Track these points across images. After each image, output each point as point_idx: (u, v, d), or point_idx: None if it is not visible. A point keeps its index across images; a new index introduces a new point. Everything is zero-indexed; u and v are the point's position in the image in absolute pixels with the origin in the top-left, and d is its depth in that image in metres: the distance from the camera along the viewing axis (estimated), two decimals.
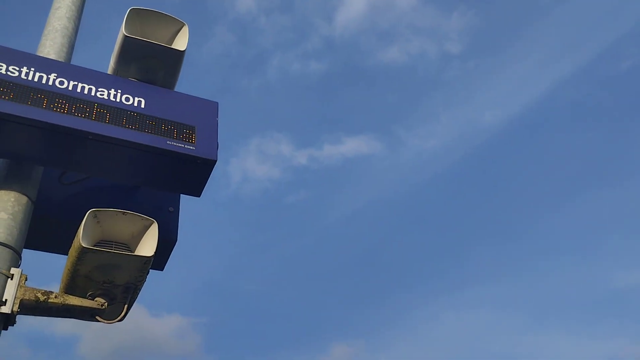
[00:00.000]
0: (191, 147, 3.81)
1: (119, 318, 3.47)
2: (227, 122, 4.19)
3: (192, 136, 3.85)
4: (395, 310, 19.95)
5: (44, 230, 3.88)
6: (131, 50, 4.14)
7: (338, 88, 21.47)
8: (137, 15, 4.22)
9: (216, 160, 3.87)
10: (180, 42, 4.26)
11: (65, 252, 3.67)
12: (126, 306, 3.48)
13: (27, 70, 3.65)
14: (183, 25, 4.32)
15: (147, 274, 3.46)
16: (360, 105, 21.43)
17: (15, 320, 3.16)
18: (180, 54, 4.22)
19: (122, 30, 4.11)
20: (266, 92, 21.20)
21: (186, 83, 4.40)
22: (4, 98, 3.43)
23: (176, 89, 4.39)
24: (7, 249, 3.27)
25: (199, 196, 4.07)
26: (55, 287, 3.38)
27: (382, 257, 20.80)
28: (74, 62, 4.53)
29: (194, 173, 3.89)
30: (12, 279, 3.19)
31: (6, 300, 3.11)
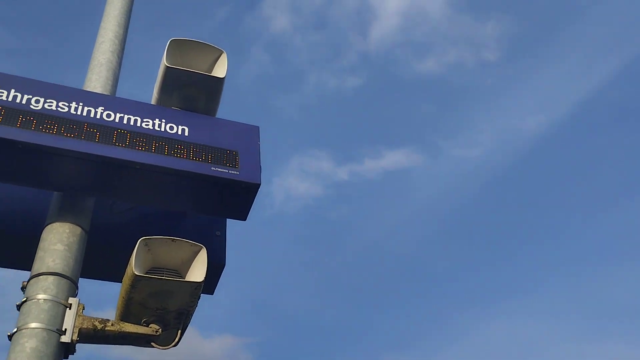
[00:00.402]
0: (235, 172, 3.88)
1: (173, 343, 3.53)
2: (267, 141, 4.26)
3: (236, 161, 3.93)
4: (444, 321, 19.62)
5: (97, 259, 3.97)
6: (173, 80, 4.26)
7: (376, 102, 21.46)
8: (177, 46, 4.33)
9: (260, 184, 3.93)
10: (220, 70, 4.36)
11: (117, 280, 3.77)
12: (179, 331, 3.55)
13: (76, 105, 3.79)
14: (222, 52, 4.42)
15: (199, 299, 3.52)
16: (399, 117, 21.35)
17: (75, 349, 3.25)
18: (220, 81, 4.32)
19: (164, 61, 4.23)
20: (304, 109, 21.35)
21: (226, 106, 4.50)
22: (56, 133, 3.56)
23: (217, 113, 4.49)
24: (65, 280, 3.38)
25: (245, 220, 4.13)
26: (108, 312, 3.47)
27: (427, 268, 20.56)
28: (119, 92, 4.68)
29: (239, 197, 3.96)
30: (70, 309, 3.29)
31: (66, 329, 3.21)
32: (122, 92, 4.74)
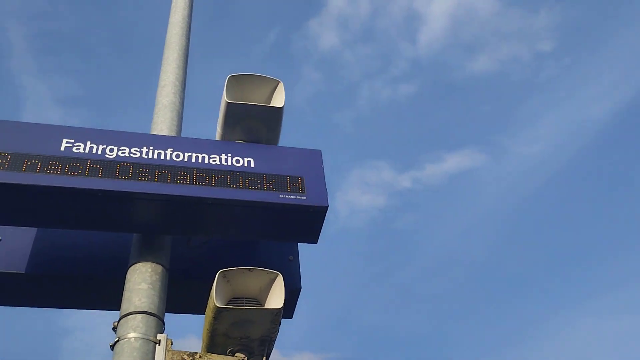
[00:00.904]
0: (302, 197, 3.97)
1: None
2: (327, 157, 4.35)
3: (302, 186, 4.02)
4: (525, 323, 19.02)
5: (179, 293, 4.12)
6: (234, 115, 4.41)
7: (431, 106, 21.25)
8: (236, 81, 4.49)
9: (327, 207, 4.00)
10: (278, 99, 4.48)
11: (199, 312, 3.91)
12: (264, 358, 3.64)
13: (147, 150, 3.98)
14: (278, 82, 4.54)
15: (280, 325, 3.61)
16: (456, 119, 21.04)
17: None
18: (279, 110, 4.44)
19: (224, 98, 4.39)
20: (360, 122, 21.37)
21: (285, 129, 4.61)
22: (131, 179, 3.76)
23: (280, 140, 4.61)
24: (152, 317, 3.53)
25: (316, 242, 4.21)
26: (191, 340, 3.59)
27: (502, 270, 20.02)
28: (184, 130, 4.88)
29: (309, 221, 4.05)
30: (159, 345, 3.44)
31: None
32: (187, 128, 4.94)
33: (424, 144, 21.47)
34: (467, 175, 20.74)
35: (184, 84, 5.22)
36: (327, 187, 4.14)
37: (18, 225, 4.04)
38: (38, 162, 3.68)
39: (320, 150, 4.37)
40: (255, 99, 4.48)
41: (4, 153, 3.69)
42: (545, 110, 20.11)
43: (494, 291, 19.69)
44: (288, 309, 4.33)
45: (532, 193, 20.19)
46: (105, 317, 3.64)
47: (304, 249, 4.68)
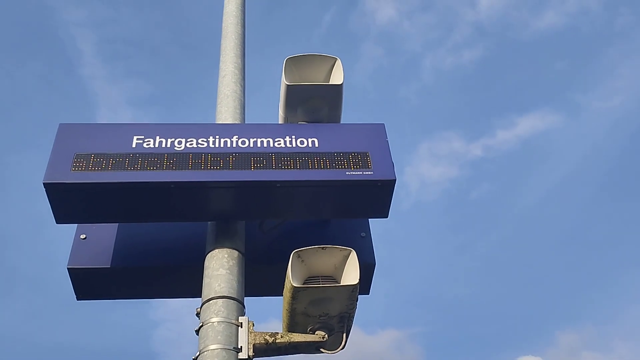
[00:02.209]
0: (369, 173, 3.97)
1: (341, 347, 3.67)
2: (394, 133, 4.32)
3: (368, 162, 4.02)
4: (628, 290, 18.23)
5: (256, 277, 4.20)
6: (294, 97, 4.44)
7: (499, 70, 20.57)
8: (293, 63, 4.51)
9: (395, 180, 3.98)
10: (337, 77, 4.47)
11: (277, 294, 3.98)
12: (345, 335, 3.68)
13: (213, 139, 4.07)
14: (336, 59, 4.53)
15: (357, 301, 3.63)
16: (527, 81, 20.28)
17: None
18: (338, 87, 4.43)
19: (283, 81, 4.42)
20: (425, 94, 20.99)
21: (350, 108, 4.61)
22: (202, 168, 3.86)
23: (342, 119, 4.61)
24: (232, 301, 3.63)
25: (387, 217, 4.19)
26: (273, 324, 3.67)
27: (593, 233, 19.22)
28: (248, 117, 4.95)
29: (377, 196, 4.04)
30: (242, 327, 3.53)
31: (241, 347, 3.44)
32: (251, 115, 5.02)
33: (493, 110, 20.86)
34: (542, 137, 20.01)
35: (244, 72, 5.28)
36: (393, 161, 4.11)
37: (100, 222, 4.23)
38: (112, 161, 3.84)
39: (384, 124, 4.34)
40: (314, 79, 4.49)
41: (82, 154, 3.86)
42: (622, 61, 19.08)
43: (580, 254, 19.01)
44: (364, 285, 4.35)
45: (615, 147, 19.23)
46: (191, 307, 3.77)
47: (376, 225, 4.68)
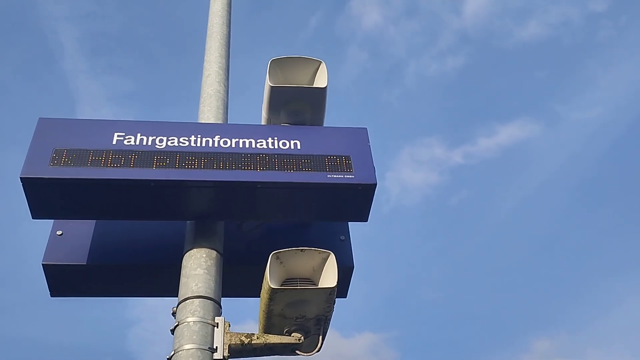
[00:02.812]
0: (350, 176, 3.98)
1: (316, 349, 3.67)
2: (376, 138, 4.34)
3: (350, 165, 4.03)
4: (601, 298, 18.45)
5: (233, 277, 4.18)
6: (278, 98, 4.44)
7: (481, 78, 20.75)
8: (277, 65, 4.52)
9: (376, 184, 4.00)
10: (321, 80, 4.48)
11: (254, 295, 3.97)
12: (321, 337, 3.68)
13: (195, 138, 4.05)
14: (320, 63, 4.55)
15: (334, 304, 3.64)
16: (508, 89, 20.48)
17: None
18: (322, 91, 4.44)
19: (267, 82, 4.42)
20: (408, 100, 21.10)
21: (333, 111, 4.62)
22: (181, 167, 3.84)
23: (325, 122, 4.62)
24: (209, 301, 3.61)
25: (367, 221, 4.21)
26: (249, 325, 3.65)
27: (564, 241, 19.47)
28: (230, 118, 4.94)
29: (358, 200, 4.05)
30: (217, 327, 3.51)
31: (217, 347, 3.42)
32: (233, 116, 5.00)
33: (475, 117, 21.03)
34: (522, 146, 20.22)
35: (228, 73, 5.27)
36: (375, 165, 4.13)
37: (76, 219, 4.19)
38: (91, 157, 3.80)
39: (366, 128, 4.36)
40: (298, 81, 4.50)
41: (61, 149, 3.82)
42: (602, 73, 19.35)
43: (554, 262, 19.21)
44: (342, 288, 4.35)
45: (591, 160, 19.51)
46: (166, 307, 3.74)
47: (355, 229, 4.70)
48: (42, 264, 4.13)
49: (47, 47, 18.01)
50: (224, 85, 5.08)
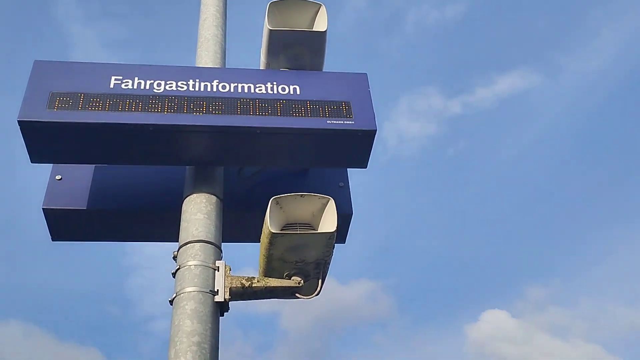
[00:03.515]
0: (350, 122, 3.95)
1: (316, 293, 3.72)
2: (374, 87, 4.29)
3: (349, 111, 4.00)
4: (594, 248, 18.66)
5: (234, 222, 4.21)
6: (277, 42, 4.37)
7: (481, 26, 20.40)
8: (277, 8, 4.42)
9: (376, 130, 3.98)
10: (321, 23, 4.40)
11: (253, 240, 4.01)
12: (320, 281, 3.72)
13: (193, 82, 4.00)
14: (320, 6, 4.46)
15: (333, 248, 3.67)
16: (508, 39, 20.18)
17: (228, 307, 3.52)
18: (322, 34, 4.37)
19: (266, 25, 4.33)
20: (407, 48, 20.80)
21: (331, 58, 4.55)
22: (179, 112, 3.80)
23: (324, 66, 4.56)
24: (210, 245, 3.64)
25: (366, 167, 4.21)
26: (247, 271, 3.69)
27: (561, 191, 19.55)
28: (228, 62, 4.86)
29: (357, 146, 4.04)
30: (218, 271, 3.55)
31: (218, 290, 3.47)
32: (231, 60, 4.93)
33: (474, 67, 20.80)
34: (520, 96, 20.09)
35: (225, 16, 5.17)
36: (374, 112, 4.10)
37: (75, 163, 4.17)
38: (89, 100, 3.76)
39: (366, 74, 4.30)
40: (297, 25, 4.41)
41: (58, 92, 3.77)
42: (605, 23, 19.05)
43: (552, 211, 19.36)
44: (341, 234, 4.39)
45: (590, 110, 19.40)
46: (164, 254, 3.77)
47: (354, 177, 4.70)
48: (42, 208, 4.14)
49: None
50: (222, 29, 4.99)
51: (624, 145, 18.87)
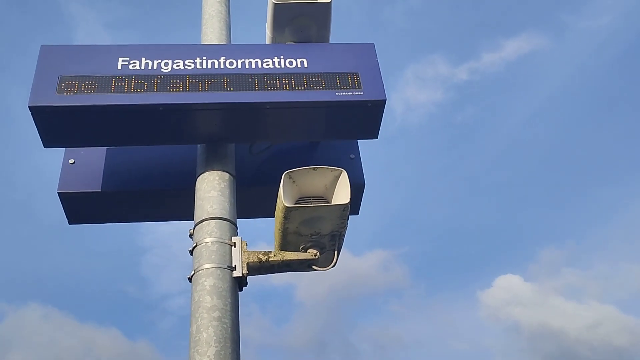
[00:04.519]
0: (359, 93, 3.95)
1: (332, 264, 3.75)
2: (379, 56, 4.26)
3: (358, 82, 3.99)
4: (605, 207, 18.56)
5: (247, 199, 4.23)
6: (282, 16, 4.34)
7: None
8: None
9: (385, 100, 3.97)
10: None
11: (268, 215, 4.03)
12: (336, 252, 3.76)
13: (200, 60, 3.99)
14: None
15: (348, 220, 3.69)
16: (513, 2, 19.90)
17: (246, 282, 3.56)
18: (327, 6, 4.33)
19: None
20: (411, 15, 20.56)
21: (336, 28, 4.51)
22: (189, 90, 3.80)
23: (330, 38, 4.53)
24: (225, 222, 3.67)
25: (377, 137, 4.20)
26: (261, 246, 3.72)
27: (575, 153, 19.38)
28: (233, 38, 4.85)
29: (368, 116, 4.03)
30: (235, 247, 3.59)
31: (235, 265, 3.51)
32: (236, 36, 4.91)
33: (480, 32, 20.57)
34: (528, 59, 19.85)
35: None
36: (383, 81, 4.08)
37: (88, 146, 4.20)
38: (98, 83, 3.77)
39: (373, 44, 4.28)
40: None
41: (67, 76, 3.78)
42: None
43: (568, 174, 19.25)
44: (354, 206, 4.40)
45: (601, 68, 19.12)
46: (178, 234, 3.80)
47: (364, 147, 4.70)
48: (58, 193, 4.18)
49: None
50: (225, 5, 4.96)
51: (636, 102, 18.64)
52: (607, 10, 18.74)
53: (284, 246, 3.70)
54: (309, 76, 3.98)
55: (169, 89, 3.81)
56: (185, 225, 3.85)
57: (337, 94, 3.92)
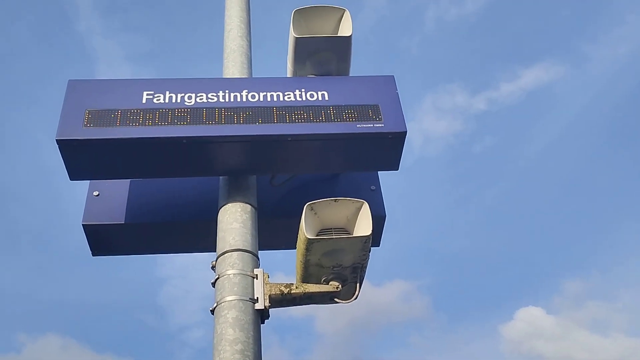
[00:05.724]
0: (380, 125, 3.97)
1: (354, 297, 3.73)
2: (397, 87, 4.29)
3: (379, 114, 4.02)
4: (630, 238, 18.23)
5: (268, 231, 4.24)
6: (303, 49, 4.41)
7: (502, 20, 20.16)
8: (301, 15, 4.46)
9: (406, 132, 3.99)
10: (345, 28, 4.43)
11: (289, 247, 4.03)
12: (358, 285, 3.74)
13: (223, 94, 4.05)
14: (344, 11, 4.48)
15: (369, 252, 3.68)
16: (531, 30, 19.92)
17: (269, 315, 3.54)
18: (347, 39, 4.39)
19: (292, 33, 4.38)
20: (428, 46, 20.70)
21: (354, 60, 4.57)
22: (211, 123, 3.86)
23: (350, 70, 4.58)
24: (247, 254, 3.67)
25: (397, 169, 4.21)
26: (279, 277, 3.72)
27: (595, 182, 19.18)
28: (255, 71, 4.92)
29: (388, 148, 4.05)
30: (257, 279, 3.59)
31: (257, 297, 3.50)
32: (257, 69, 4.98)
33: (497, 62, 20.60)
34: (546, 88, 19.81)
35: (249, 26, 5.23)
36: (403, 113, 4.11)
37: (113, 179, 4.25)
38: (123, 116, 3.83)
39: (393, 76, 4.32)
40: (322, 31, 4.45)
41: (93, 110, 3.85)
42: (631, 8, 18.70)
43: (589, 205, 19.04)
44: (375, 237, 4.37)
45: (620, 96, 19.00)
46: (197, 265, 3.81)
47: (383, 178, 4.71)
48: (82, 224, 4.23)
49: (61, 7, 17.97)
50: (247, 40, 5.05)
51: None
52: (625, 39, 18.72)
53: (305, 278, 3.69)
54: (330, 108, 4.02)
55: (193, 121, 3.86)
56: (204, 256, 3.87)
57: (357, 125, 3.95)
